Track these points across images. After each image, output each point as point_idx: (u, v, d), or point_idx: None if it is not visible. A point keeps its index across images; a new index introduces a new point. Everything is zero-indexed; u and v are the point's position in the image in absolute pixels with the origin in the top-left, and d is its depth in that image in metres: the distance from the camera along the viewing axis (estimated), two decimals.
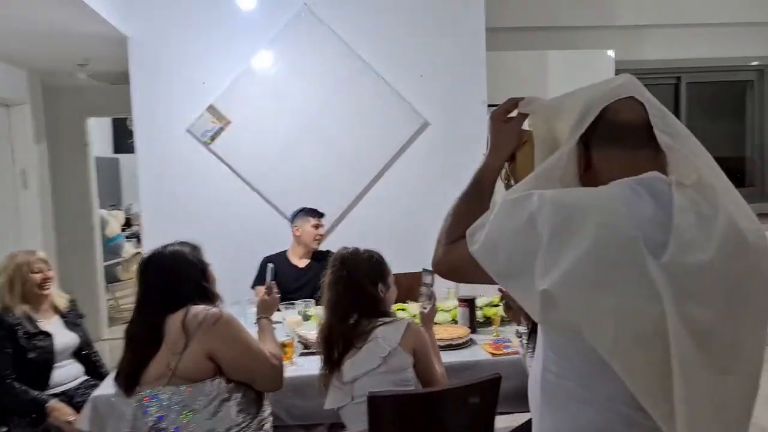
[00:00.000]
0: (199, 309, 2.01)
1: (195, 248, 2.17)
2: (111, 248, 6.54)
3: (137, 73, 3.95)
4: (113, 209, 7.41)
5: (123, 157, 8.23)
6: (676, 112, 5.28)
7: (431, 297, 2.44)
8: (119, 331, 6.31)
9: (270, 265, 2.53)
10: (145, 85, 3.95)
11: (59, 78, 5.16)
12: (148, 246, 4.00)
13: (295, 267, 3.66)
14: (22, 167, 4.88)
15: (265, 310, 2.35)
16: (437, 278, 1.85)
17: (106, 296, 6.23)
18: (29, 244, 4.88)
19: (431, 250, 1.31)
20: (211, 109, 3.96)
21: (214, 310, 2.03)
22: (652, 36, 5.04)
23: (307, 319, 3.09)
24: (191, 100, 3.96)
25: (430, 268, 2.81)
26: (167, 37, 3.94)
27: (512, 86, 4.40)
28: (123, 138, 7.96)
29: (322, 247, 3.67)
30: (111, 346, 5.89)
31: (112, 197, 8.03)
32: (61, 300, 2.97)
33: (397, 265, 2.40)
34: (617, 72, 4.53)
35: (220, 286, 2.19)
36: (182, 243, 2.16)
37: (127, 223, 7.64)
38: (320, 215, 3.67)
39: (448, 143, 4.12)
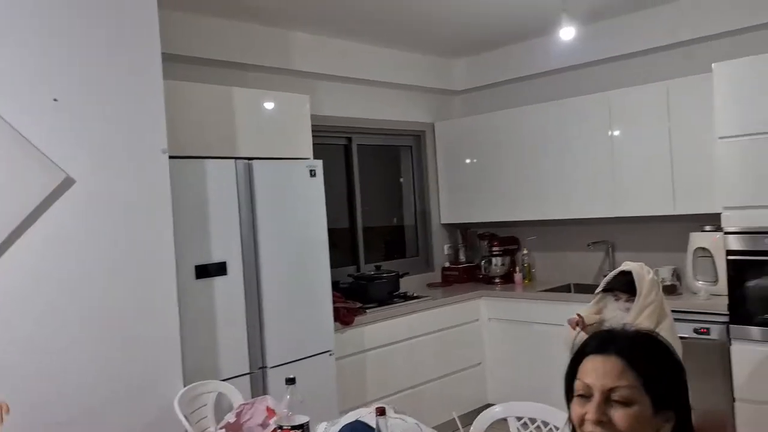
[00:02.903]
0: None
1: None
2: None
3: None
4: None
5: None
6: (350, 175, 4.68)
7: None
8: None
9: None
10: None
11: None
12: None
13: None
14: None
15: None
16: None
17: None
18: None
19: None
20: None
21: None
22: (327, 89, 4.36)
23: None
24: None
25: None
26: None
27: (192, 125, 3.09)
28: None
29: None
30: None
31: None
32: None
33: None
34: (313, 124, 3.68)
35: None
36: None
37: None
38: None
39: (108, 211, 2.52)
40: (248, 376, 3.12)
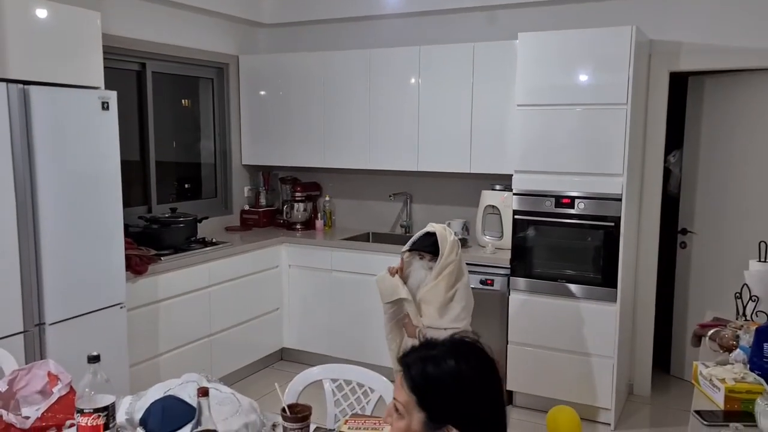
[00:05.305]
0: None
1: None
2: None
3: None
4: None
5: None
6: (142, 105, 4.20)
7: None
8: None
9: None
10: None
11: None
12: None
13: None
14: None
15: None
16: None
17: None
18: None
19: None
20: None
21: None
22: (119, 5, 3.81)
23: None
24: None
25: None
26: None
27: None
28: None
29: None
30: None
31: None
32: None
33: None
34: (102, 44, 3.21)
35: None
36: None
37: None
38: None
39: None
40: (22, 335, 2.71)
